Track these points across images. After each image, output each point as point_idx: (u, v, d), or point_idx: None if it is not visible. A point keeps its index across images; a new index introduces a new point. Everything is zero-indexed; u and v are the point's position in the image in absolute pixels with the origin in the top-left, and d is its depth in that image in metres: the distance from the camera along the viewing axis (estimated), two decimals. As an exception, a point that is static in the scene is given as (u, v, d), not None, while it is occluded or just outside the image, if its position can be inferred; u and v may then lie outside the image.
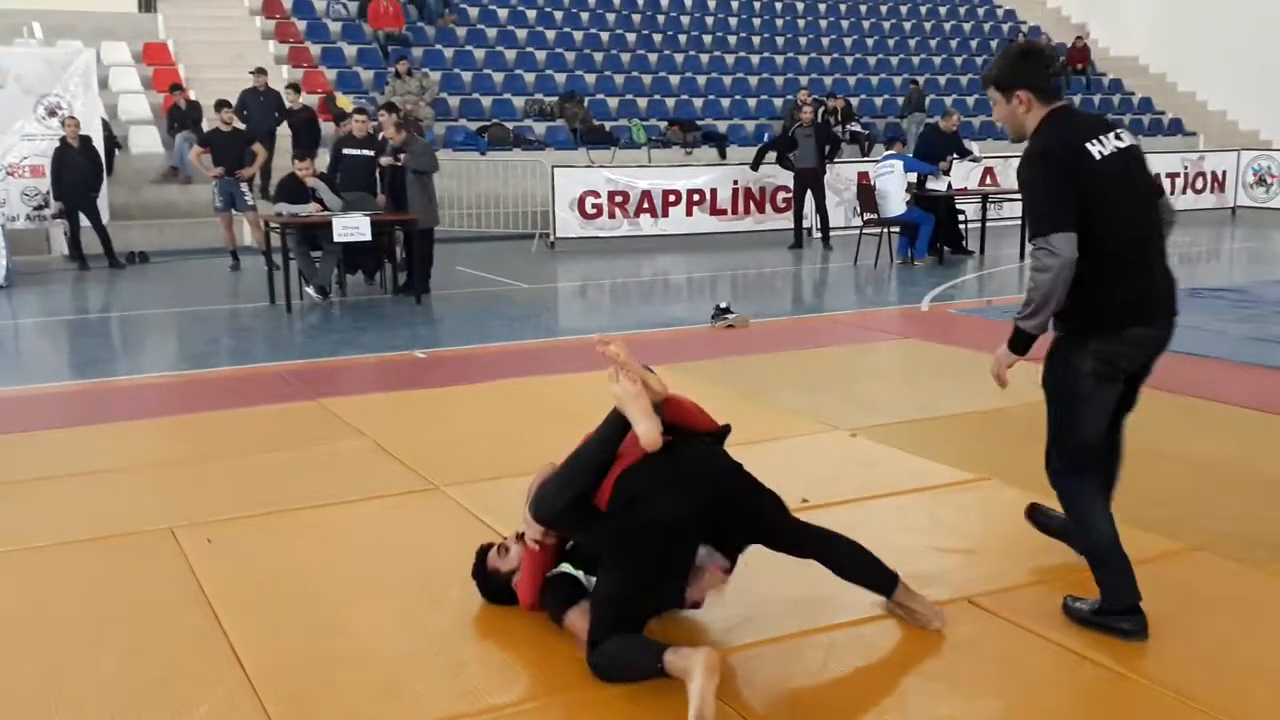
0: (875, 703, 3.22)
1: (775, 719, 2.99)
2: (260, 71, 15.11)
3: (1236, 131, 22.03)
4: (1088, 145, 3.38)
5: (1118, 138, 3.45)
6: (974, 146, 14.60)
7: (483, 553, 3.76)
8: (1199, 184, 18.71)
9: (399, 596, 3.86)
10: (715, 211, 15.51)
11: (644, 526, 3.25)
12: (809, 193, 14.37)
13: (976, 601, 3.74)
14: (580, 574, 3.51)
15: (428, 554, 4.15)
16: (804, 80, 20.03)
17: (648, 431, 3.29)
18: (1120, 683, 3.24)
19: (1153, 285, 3.56)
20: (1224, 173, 18.79)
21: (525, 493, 3.65)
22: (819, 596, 3.69)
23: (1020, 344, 3.48)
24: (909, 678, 3.39)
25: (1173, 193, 18.46)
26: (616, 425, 3.40)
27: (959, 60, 22.71)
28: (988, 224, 13.88)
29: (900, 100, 20.52)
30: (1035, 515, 4.22)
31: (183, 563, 4.17)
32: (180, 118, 15.27)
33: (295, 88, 15.16)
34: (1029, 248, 3.42)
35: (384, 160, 11.13)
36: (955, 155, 13.71)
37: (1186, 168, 18.66)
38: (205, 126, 14.42)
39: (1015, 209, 14.14)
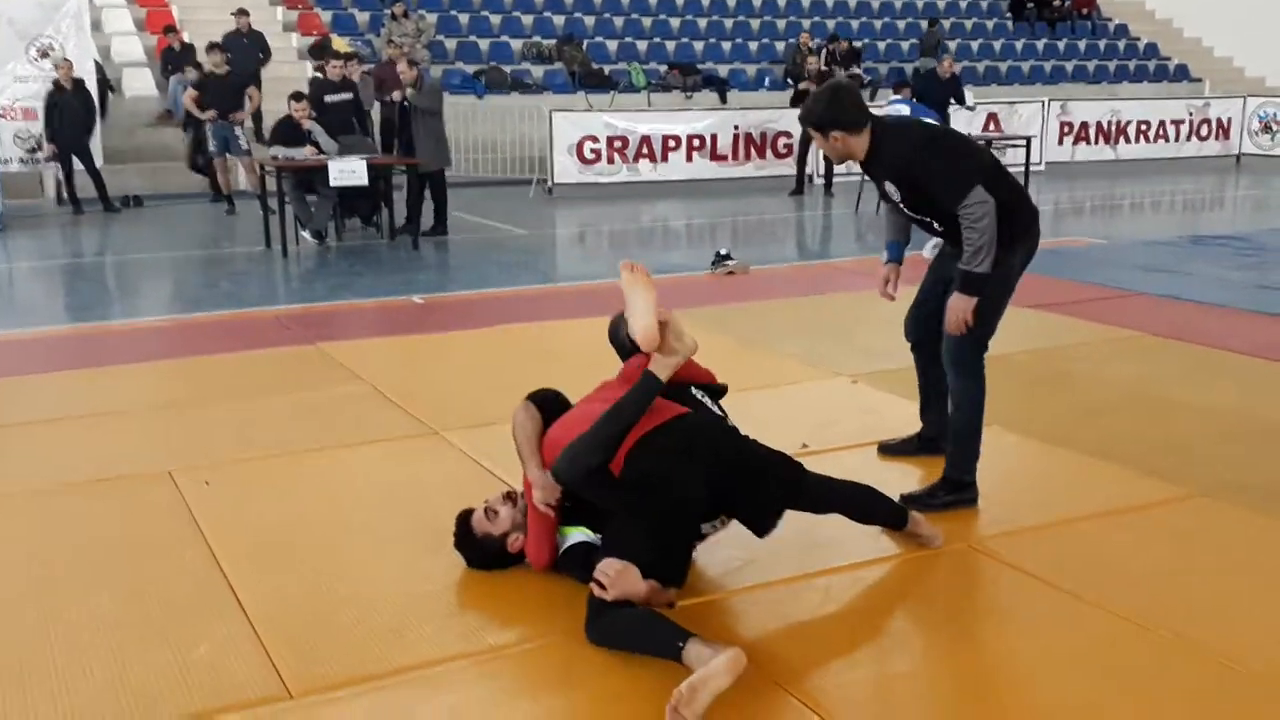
0: (874, 644, 3.21)
1: (775, 660, 2.97)
2: (242, 13, 14.75)
3: (1242, 78, 21.82)
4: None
5: None
6: (970, 95, 14.39)
7: (464, 520, 3.60)
8: (1204, 131, 18.56)
9: (399, 539, 3.84)
10: (716, 157, 15.38)
11: (657, 503, 3.18)
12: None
13: (978, 546, 3.73)
14: (596, 537, 3.45)
15: (428, 498, 4.12)
16: (806, 24, 19.79)
17: (646, 328, 3.22)
18: (1119, 625, 3.23)
19: (1025, 191, 4.15)
20: (1229, 119, 18.64)
21: (517, 451, 3.57)
22: (817, 541, 3.68)
23: (976, 287, 3.84)
24: (907, 620, 3.39)
25: (1177, 139, 18.34)
26: (651, 388, 3.29)
27: (973, 3, 22.41)
28: (990, 170, 13.75)
29: (905, 45, 20.29)
30: (886, 449, 4.64)
31: (181, 505, 4.15)
32: (174, 60, 15.06)
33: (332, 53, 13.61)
34: (960, 213, 3.77)
35: (396, 95, 11.00)
36: (953, 101, 13.55)
37: (1191, 114, 18.51)
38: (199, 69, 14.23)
39: (1018, 155, 14.03)
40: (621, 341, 3.55)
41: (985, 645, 3.17)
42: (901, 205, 4.06)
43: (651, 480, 3.20)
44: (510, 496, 3.59)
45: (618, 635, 3.03)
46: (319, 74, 12.49)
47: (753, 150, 15.54)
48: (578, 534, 3.47)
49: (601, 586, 3.04)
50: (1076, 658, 3.06)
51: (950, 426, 4.18)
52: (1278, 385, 5.69)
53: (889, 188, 4.04)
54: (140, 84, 15.65)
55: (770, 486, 3.39)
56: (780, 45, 19.44)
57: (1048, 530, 3.90)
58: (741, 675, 2.76)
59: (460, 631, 3.25)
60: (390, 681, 2.95)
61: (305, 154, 10.44)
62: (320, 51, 14.41)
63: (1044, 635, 3.19)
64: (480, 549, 3.57)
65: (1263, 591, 3.46)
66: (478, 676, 3.01)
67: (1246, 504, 4.09)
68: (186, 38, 15.38)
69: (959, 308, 3.89)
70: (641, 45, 18.87)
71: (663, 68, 18.30)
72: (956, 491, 4.06)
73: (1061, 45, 21.86)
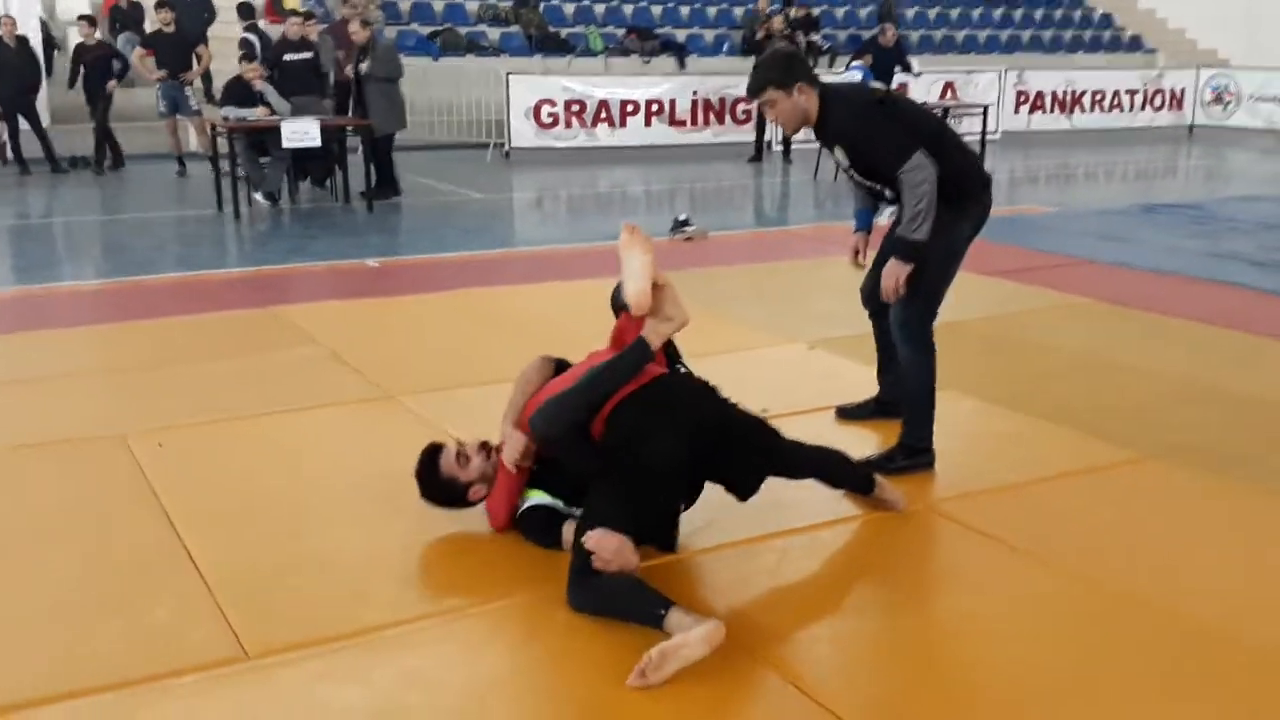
0: (834, 604, 3.24)
1: (737, 622, 2.98)
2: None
3: (1195, 49, 22.00)
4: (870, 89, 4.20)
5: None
6: (915, 62, 14.37)
7: (432, 453, 3.56)
8: (1157, 101, 18.74)
9: (356, 502, 3.82)
10: (674, 123, 15.32)
11: (639, 467, 3.15)
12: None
13: (936, 508, 3.77)
14: (559, 502, 3.44)
15: (385, 461, 4.09)
16: (764, -12, 19.69)
17: (638, 293, 3.18)
18: (1073, 585, 3.28)
19: (976, 158, 4.22)
20: (1182, 90, 18.82)
21: (507, 403, 3.56)
22: (778, 502, 3.68)
23: (911, 254, 3.86)
24: (867, 581, 3.42)
25: (1130, 109, 18.50)
26: (642, 355, 3.26)
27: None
28: (946, 138, 13.80)
29: (863, 12, 20.27)
30: (844, 413, 4.69)
31: (135, 469, 4.10)
32: (122, 18, 14.75)
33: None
34: (900, 178, 3.80)
35: (348, 70, 10.85)
36: (899, 69, 13.54)
37: (1145, 85, 18.66)
38: (148, 28, 13.95)
39: (975, 123, 14.09)
40: (621, 306, 3.49)
41: (944, 604, 3.21)
42: (851, 171, 4.07)
43: (632, 441, 3.17)
44: (485, 448, 3.54)
45: (600, 601, 3.01)
46: (249, 35, 12.24)
47: (711, 116, 15.50)
48: (538, 497, 3.46)
49: (587, 558, 3.01)
50: (1031, 615, 3.11)
51: (904, 394, 4.22)
52: (1225, 351, 5.78)
53: (838, 154, 4.05)
54: (87, 42, 15.26)
55: (750, 450, 3.40)
56: (738, 11, 19.35)
57: (1003, 492, 3.94)
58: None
59: (419, 593, 3.25)
60: (349, 643, 2.93)
61: (257, 115, 10.28)
62: (248, 10, 14.08)
63: (1000, 594, 3.24)
64: (440, 487, 3.54)
65: (1208, 549, 3.53)
66: (437, 637, 3.00)
67: (1194, 466, 4.16)
68: (134, -5, 15.05)
69: (893, 273, 3.91)
70: (599, 9, 18.72)
71: (620, 32, 18.17)
72: (912, 456, 4.10)
73: (1018, 15, 21.93)
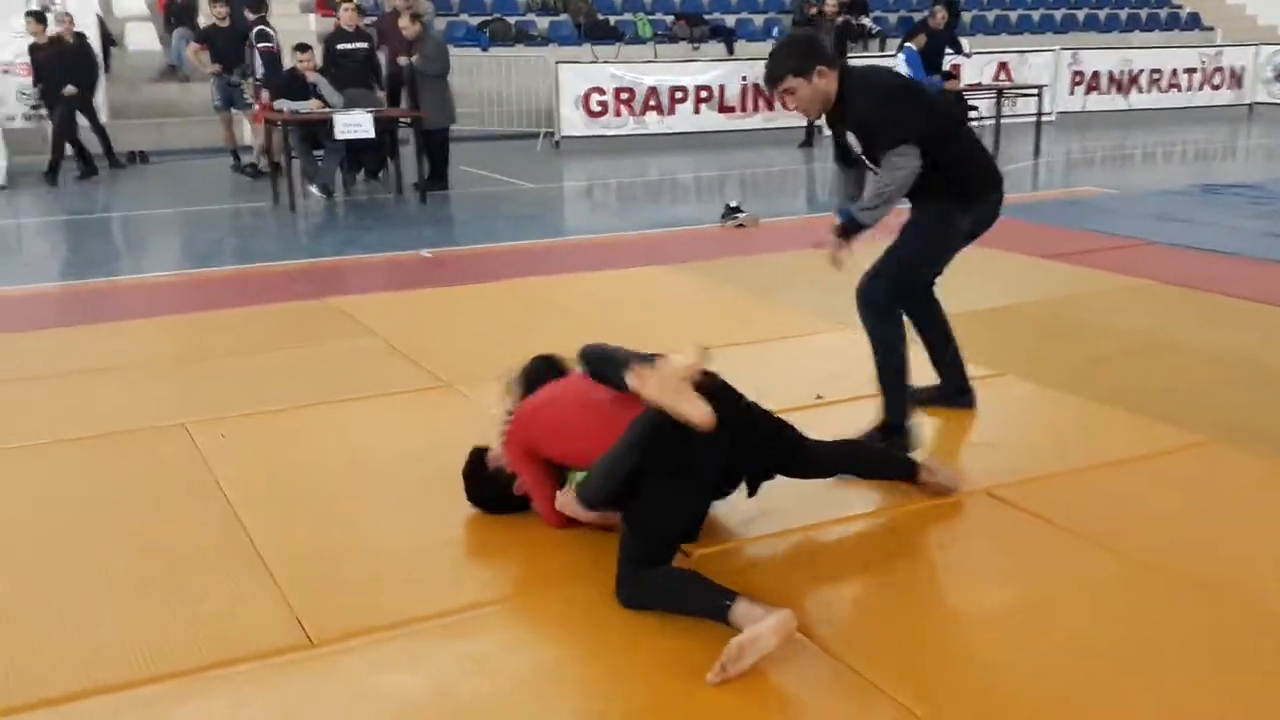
0: (892, 592, 3.21)
1: (794, 608, 2.97)
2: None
3: (1255, 26, 21.54)
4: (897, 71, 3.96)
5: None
6: (966, 43, 14.18)
7: (478, 453, 3.62)
8: (1216, 80, 18.36)
9: (414, 490, 3.85)
10: (723, 109, 15.26)
11: (686, 460, 3.11)
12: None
13: (994, 493, 3.72)
14: None
15: (442, 450, 4.11)
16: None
17: (697, 412, 3.03)
18: (1134, 572, 3.23)
19: (990, 160, 4.15)
20: (1242, 68, 18.43)
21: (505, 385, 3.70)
22: (830, 489, 3.67)
23: (851, 231, 3.88)
24: (925, 568, 3.39)
25: (1189, 89, 18.16)
26: (653, 426, 3.12)
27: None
28: (1002, 120, 13.64)
29: (913, -7, 20.05)
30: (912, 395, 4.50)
31: (197, 457, 4.16)
32: (176, 13, 14.93)
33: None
34: (885, 160, 3.76)
35: (400, 60, 10.91)
36: (950, 51, 13.35)
37: (1204, 63, 18.29)
38: (202, 22, 14.10)
39: (1030, 104, 13.90)
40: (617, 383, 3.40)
41: (1002, 589, 3.17)
42: (863, 156, 3.99)
43: (670, 448, 3.12)
44: None
45: (655, 595, 2.99)
46: (265, 27, 12.12)
47: (761, 101, 15.39)
48: (581, 475, 3.47)
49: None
50: (1092, 600, 3.07)
51: (876, 371, 4.09)
52: (1291, 333, 5.66)
53: (850, 138, 3.97)
54: (143, 38, 15.53)
55: (773, 452, 3.40)
56: (787, -6, 19.22)
57: (1062, 477, 3.89)
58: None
59: (478, 580, 3.27)
60: (408, 629, 2.96)
61: (310, 107, 10.37)
62: (258, 4, 14.00)
63: (1059, 578, 3.20)
64: (485, 484, 3.57)
65: (1266, 533, 3.47)
66: (496, 625, 3.02)
67: (1259, 450, 4.08)
68: (188, -10, 15.23)
69: (829, 241, 3.92)
70: (647, -4, 18.68)
71: (669, 18, 18.12)
72: (891, 436, 4.01)
73: (1072, -7, 21.61)
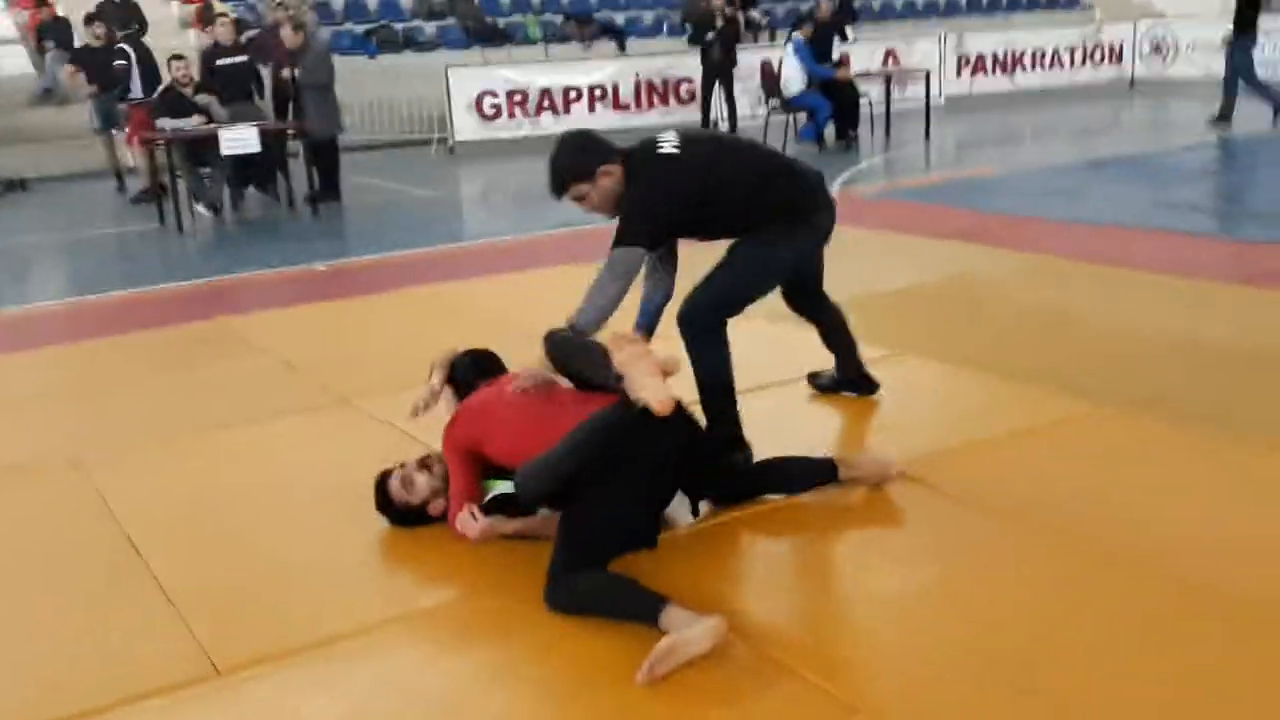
0: (809, 577, 3.20)
1: (714, 595, 2.94)
2: (111, -23, 14.21)
3: (1130, 3, 22.14)
4: (663, 149, 3.70)
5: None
6: (850, 31, 14.35)
7: (381, 484, 3.53)
8: (1097, 56, 18.83)
9: (318, 509, 3.74)
10: (618, 107, 15.22)
11: (626, 465, 3.08)
12: (717, 84, 14.13)
13: (905, 472, 3.73)
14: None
15: (346, 467, 4.01)
16: (700, -32, 19.60)
17: (658, 392, 3.03)
18: (1050, 541, 3.26)
19: (811, 186, 3.91)
20: (1121, 44, 18.92)
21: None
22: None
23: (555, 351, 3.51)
24: (844, 550, 3.38)
25: (1071, 66, 18.59)
26: (612, 420, 3.11)
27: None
28: (892, 105, 13.83)
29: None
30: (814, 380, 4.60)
31: (91, 490, 3.99)
32: (49, 34, 14.45)
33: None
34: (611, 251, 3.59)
35: (284, 73, 10.68)
36: (837, 39, 13.48)
37: (1085, 41, 18.74)
38: (76, 43, 13.66)
39: (918, 90, 14.11)
40: (577, 374, 3.42)
41: (920, 569, 3.17)
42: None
43: (618, 454, 3.09)
44: (426, 463, 3.52)
45: (586, 600, 2.94)
46: (125, 46, 11.85)
47: (655, 98, 15.41)
48: (502, 486, 3.41)
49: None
50: (1008, 574, 3.09)
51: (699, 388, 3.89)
52: (1180, 299, 5.80)
53: None
54: (15, 62, 15.00)
55: (713, 465, 3.42)
56: (676, -10, 19.27)
57: (969, 451, 3.93)
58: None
59: (386, 596, 3.17)
60: (318, 652, 2.86)
61: (194, 123, 10.10)
62: (125, 23, 13.67)
63: (975, 554, 3.21)
64: (400, 514, 3.52)
65: (1180, 500, 3.52)
66: (408, 640, 2.94)
67: (1160, 417, 4.15)
68: (60, 10, 14.75)
69: (534, 375, 3.47)
70: (535, -3, 18.57)
71: (558, 19, 18.04)
72: (733, 447, 3.84)
73: (954, -22, 21.99)
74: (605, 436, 3.11)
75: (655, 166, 3.67)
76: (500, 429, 3.38)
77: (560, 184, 3.65)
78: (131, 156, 12.56)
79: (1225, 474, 3.70)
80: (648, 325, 3.97)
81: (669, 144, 3.73)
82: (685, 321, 3.83)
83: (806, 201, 3.87)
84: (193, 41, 14.51)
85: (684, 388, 3.45)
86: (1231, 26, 12.98)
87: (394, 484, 3.50)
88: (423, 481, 3.48)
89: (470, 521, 3.32)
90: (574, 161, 3.63)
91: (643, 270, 3.86)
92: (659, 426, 3.07)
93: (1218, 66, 18.13)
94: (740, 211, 3.75)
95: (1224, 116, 12.85)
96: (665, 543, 3.32)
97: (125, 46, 11.74)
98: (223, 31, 11.02)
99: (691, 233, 3.85)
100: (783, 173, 3.87)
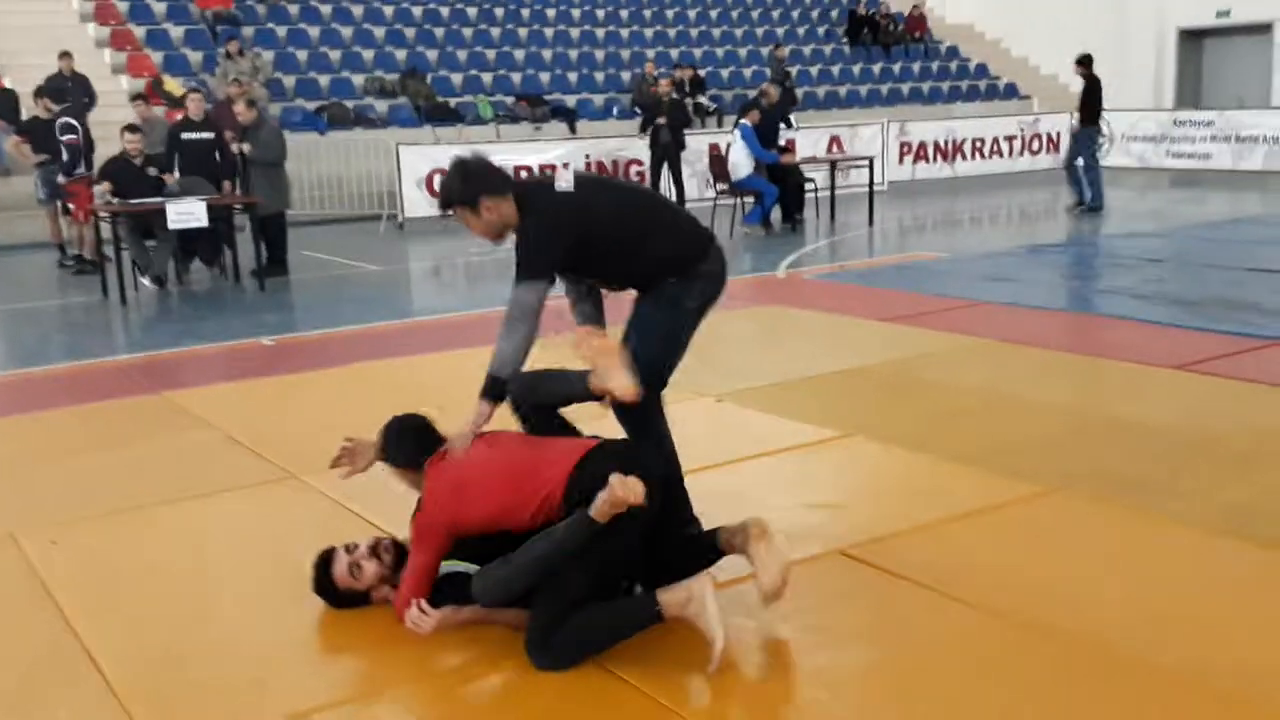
0: (751, 655, 3.20)
1: (647, 677, 2.94)
2: (65, 55, 14.17)
3: (1067, 94, 22.79)
4: (559, 185, 3.70)
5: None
6: (793, 118, 14.69)
7: (324, 565, 3.46)
8: (1035, 145, 19.38)
9: (261, 588, 3.70)
10: (567, 187, 15.37)
11: (600, 566, 3.09)
12: (664, 166, 14.35)
13: (848, 553, 3.77)
14: (472, 567, 3.34)
15: (290, 543, 3.97)
16: (650, 53, 20.02)
17: (626, 384, 3.11)
18: (988, 622, 3.30)
19: (698, 231, 3.89)
20: (1058, 133, 19.46)
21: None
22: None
23: (495, 392, 3.55)
24: (783, 629, 3.38)
25: (1010, 154, 19.09)
26: (585, 525, 3.06)
27: (810, 29, 22.97)
28: (836, 191, 14.10)
29: (747, 72, 20.68)
30: None
31: (26, 568, 3.91)
32: (-3, 106, 14.38)
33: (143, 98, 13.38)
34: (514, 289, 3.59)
35: (234, 147, 10.72)
36: (784, 127, 13.77)
37: (1023, 130, 19.30)
38: (24, 115, 13.60)
39: (862, 175, 14.41)
40: (547, 398, 3.54)
41: (861, 648, 3.19)
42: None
43: (594, 552, 3.08)
44: (376, 551, 3.44)
45: (581, 645, 3.01)
46: (69, 119, 11.83)
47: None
48: (454, 565, 3.38)
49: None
50: (948, 653, 3.12)
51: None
52: (1117, 382, 5.94)
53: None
54: (-40, 132, 14.87)
55: (673, 542, 3.44)
56: (625, 75, 19.62)
57: (913, 533, 3.97)
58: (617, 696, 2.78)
59: (329, 680, 3.14)
60: (259, 736, 2.82)
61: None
62: (59, 96, 13.60)
63: (915, 633, 3.25)
64: (339, 598, 3.46)
65: (1115, 576, 3.60)
66: (351, 723, 2.90)
67: (1096, 496, 4.25)
68: (7, 83, 14.70)
69: (472, 413, 3.49)
70: (487, 77, 18.81)
71: (510, 99, 18.27)
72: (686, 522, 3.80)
73: (897, 68, 22.59)
74: (572, 546, 3.07)
75: (548, 200, 3.67)
76: (482, 497, 3.28)
77: (445, 203, 3.67)
78: (66, 229, 12.45)
79: (1156, 550, 3.79)
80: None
81: (565, 181, 3.77)
82: (636, 429, 3.76)
83: (697, 244, 3.82)
84: (132, 116, 14.49)
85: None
86: (1078, 118, 13.97)
87: (339, 568, 3.43)
88: (371, 570, 3.41)
89: (422, 619, 3.22)
90: (461, 185, 3.60)
91: (570, 309, 3.95)
92: (624, 521, 3.04)
93: (1153, 158, 18.87)
94: (630, 250, 3.72)
95: (1082, 202, 13.88)
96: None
97: (73, 121, 11.72)
98: (193, 107, 11.05)
99: (588, 271, 3.82)
100: (671, 219, 3.87)
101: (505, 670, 3.10)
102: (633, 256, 3.72)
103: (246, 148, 10.53)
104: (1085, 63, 13.91)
